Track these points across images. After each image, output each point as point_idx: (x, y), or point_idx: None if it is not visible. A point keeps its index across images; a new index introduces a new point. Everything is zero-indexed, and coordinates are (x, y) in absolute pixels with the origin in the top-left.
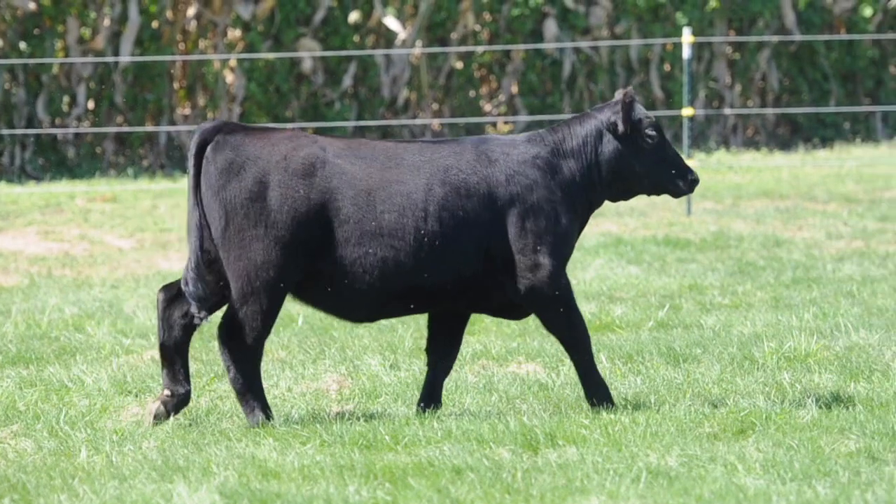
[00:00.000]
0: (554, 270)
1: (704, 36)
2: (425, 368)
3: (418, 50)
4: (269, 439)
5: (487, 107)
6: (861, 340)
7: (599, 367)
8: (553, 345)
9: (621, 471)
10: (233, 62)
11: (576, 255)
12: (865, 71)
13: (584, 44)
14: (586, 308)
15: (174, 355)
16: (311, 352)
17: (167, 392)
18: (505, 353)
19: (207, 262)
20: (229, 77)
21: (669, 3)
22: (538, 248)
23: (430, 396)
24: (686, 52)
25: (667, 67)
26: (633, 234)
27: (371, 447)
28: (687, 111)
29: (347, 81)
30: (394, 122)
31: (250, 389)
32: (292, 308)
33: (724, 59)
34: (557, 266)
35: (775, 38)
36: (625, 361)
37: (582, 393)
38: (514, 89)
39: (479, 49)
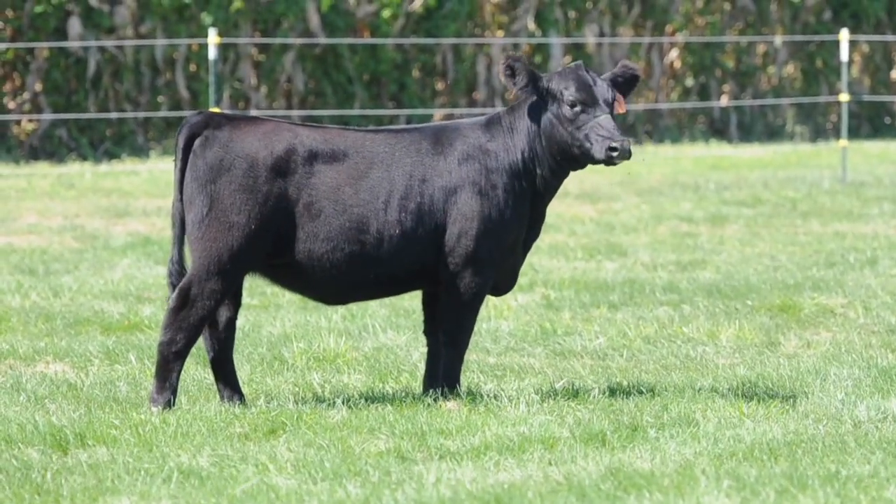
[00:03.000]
0: (488, 258)
1: (230, 37)
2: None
3: None
4: None
5: (12, 104)
6: (389, 341)
7: (128, 368)
8: (82, 345)
9: (153, 471)
10: None
11: (103, 255)
12: (389, 75)
13: (108, 43)
14: (115, 308)
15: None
16: None
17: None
18: (32, 353)
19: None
20: None
21: (194, 3)
22: (479, 234)
23: (432, 376)
24: (212, 53)
25: (192, 68)
26: (161, 234)
27: None
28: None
29: None
30: None
31: (176, 360)
32: None
33: (250, 61)
34: (490, 256)
35: (300, 41)
36: (154, 361)
37: (111, 393)
38: (39, 87)
39: (2, 46)
